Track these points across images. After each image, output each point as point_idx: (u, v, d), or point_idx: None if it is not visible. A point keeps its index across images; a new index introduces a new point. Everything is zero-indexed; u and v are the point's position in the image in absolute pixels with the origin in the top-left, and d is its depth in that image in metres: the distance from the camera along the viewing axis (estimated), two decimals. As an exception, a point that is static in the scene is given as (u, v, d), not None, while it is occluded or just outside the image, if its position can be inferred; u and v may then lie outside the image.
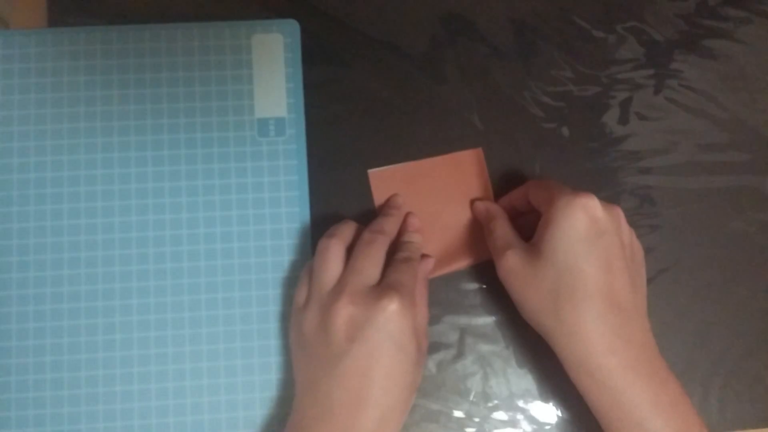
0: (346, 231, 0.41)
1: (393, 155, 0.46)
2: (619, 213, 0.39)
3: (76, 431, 0.42)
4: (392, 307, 0.37)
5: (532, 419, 0.44)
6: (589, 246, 0.37)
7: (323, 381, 0.37)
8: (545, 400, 0.45)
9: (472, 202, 0.46)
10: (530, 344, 0.45)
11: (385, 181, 0.46)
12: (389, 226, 0.43)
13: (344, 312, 0.37)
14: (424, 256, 0.44)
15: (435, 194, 0.46)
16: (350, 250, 0.41)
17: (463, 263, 0.45)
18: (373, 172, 0.46)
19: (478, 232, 0.45)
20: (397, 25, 0.48)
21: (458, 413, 0.44)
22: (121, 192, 0.44)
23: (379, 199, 0.46)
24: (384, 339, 0.37)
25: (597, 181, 0.47)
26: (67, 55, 0.45)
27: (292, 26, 0.47)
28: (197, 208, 0.45)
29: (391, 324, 0.37)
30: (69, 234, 0.44)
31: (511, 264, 0.40)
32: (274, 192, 0.45)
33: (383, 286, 0.38)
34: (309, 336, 0.39)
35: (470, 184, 0.46)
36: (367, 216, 0.45)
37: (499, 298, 0.45)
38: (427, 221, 0.45)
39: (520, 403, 0.44)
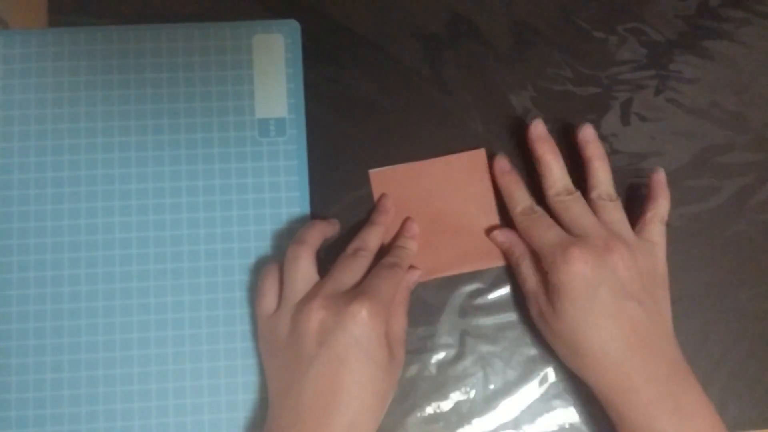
0: (315, 235, 0.41)
1: (393, 156, 0.46)
2: (613, 256, 0.39)
3: (76, 431, 0.42)
4: (362, 313, 0.37)
5: (532, 420, 0.44)
6: (591, 302, 0.38)
7: (294, 387, 0.37)
8: (545, 401, 0.44)
9: (465, 246, 0.45)
10: (530, 345, 0.45)
11: (386, 181, 0.46)
12: (374, 239, 0.43)
13: (315, 316, 0.37)
14: (411, 267, 0.44)
15: (436, 195, 0.46)
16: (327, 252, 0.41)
17: (462, 268, 0.45)
18: (374, 172, 0.46)
19: (479, 237, 0.45)
20: (397, 26, 0.48)
21: (458, 413, 0.44)
22: (121, 192, 0.44)
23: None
24: (352, 344, 0.37)
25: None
26: (68, 55, 0.45)
27: (293, 27, 0.47)
28: (198, 209, 0.45)
29: (359, 329, 0.37)
30: (69, 234, 0.44)
31: (535, 313, 0.42)
32: (275, 192, 0.45)
33: (356, 292, 0.38)
34: (281, 342, 0.39)
35: (472, 185, 0.46)
36: (368, 216, 0.45)
37: (500, 298, 0.45)
38: (427, 223, 0.45)
39: (520, 404, 0.44)
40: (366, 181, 0.46)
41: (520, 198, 0.43)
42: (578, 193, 0.42)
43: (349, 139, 0.46)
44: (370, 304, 0.37)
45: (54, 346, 0.43)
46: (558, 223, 0.42)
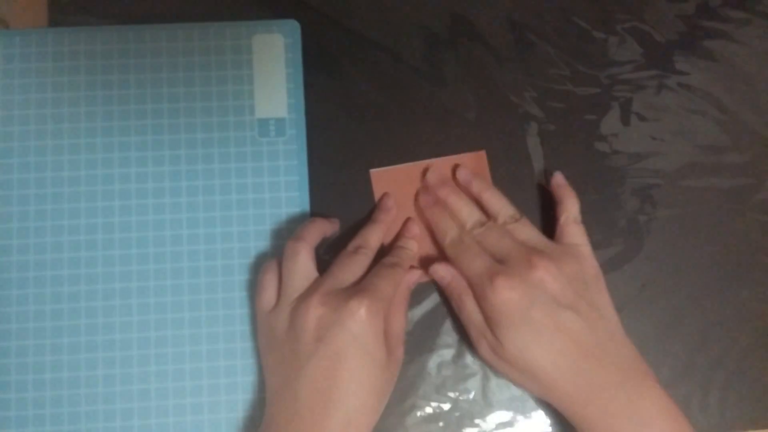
0: (314, 231, 0.41)
1: (393, 156, 0.46)
2: (537, 272, 0.39)
3: (75, 431, 0.42)
4: (361, 310, 0.37)
5: (531, 420, 0.44)
6: (528, 325, 0.39)
7: (292, 383, 0.37)
8: (545, 401, 0.44)
9: (429, 267, 0.43)
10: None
11: (386, 181, 0.46)
12: (374, 238, 0.43)
13: (314, 312, 0.37)
14: (411, 267, 0.44)
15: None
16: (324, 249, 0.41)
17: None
18: (375, 172, 0.46)
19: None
20: (397, 25, 0.48)
21: (458, 414, 0.44)
22: (121, 192, 0.44)
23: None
24: (350, 341, 0.37)
25: (597, 182, 0.47)
26: (68, 55, 0.45)
27: (293, 27, 0.47)
28: (197, 209, 0.45)
29: (357, 327, 0.37)
30: (69, 234, 0.44)
31: (484, 349, 0.41)
32: (275, 192, 0.45)
33: (356, 289, 0.39)
34: (279, 337, 0.39)
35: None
36: (369, 215, 0.45)
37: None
38: (426, 223, 0.45)
39: (520, 404, 0.44)
40: (366, 180, 0.46)
41: (447, 228, 0.43)
42: (490, 222, 0.43)
43: (349, 139, 0.46)
44: (369, 302, 0.37)
45: (53, 345, 0.43)
46: None
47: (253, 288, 0.44)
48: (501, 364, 0.40)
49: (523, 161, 0.47)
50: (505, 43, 0.48)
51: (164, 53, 0.46)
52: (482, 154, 0.46)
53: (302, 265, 0.40)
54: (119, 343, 0.43)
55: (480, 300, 0.40)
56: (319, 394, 0.36)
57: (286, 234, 0.44)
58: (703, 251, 0.47)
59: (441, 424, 0.44)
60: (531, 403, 0.44)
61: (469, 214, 0.43)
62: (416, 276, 0.44)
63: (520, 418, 0.44)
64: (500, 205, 0.43)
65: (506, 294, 0.38)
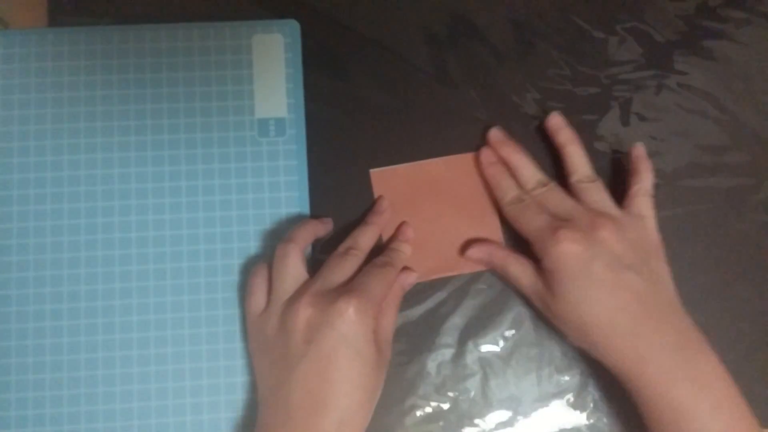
0: (304, 233, 0.41)
1: (393, 156, 0.46)
2: (600, 231, 0.39)
3: (75, 431, 0.42)
4: (349, 310, 0.37)
5: (531, 420, 0.44)
6: (587, 278, 0.39)
7: (284, 385, 0.37)
8: (544, 401, 0.44)
9: (465, 247, 0.44)
10: (530, 345, 0.45)
11: (386, 181, 0.46)
12: (366, 239, 0.43)
13: (303, 314, 0.38)
14: (406, 269, 0.44)
15: (437, 196, 0.46)
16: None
17: (461, 269, 0.45)
18: (375, 172, 0.46)
19: (478, 239, 0.45)
20: (397, 25, 0.48)
21: (458, 413, 0.44)
22: (121, 192, 0.44)
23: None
24: (340, 341, 0.37)
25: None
26: (67, 55, 0.45)
27: (293, 27, 0.47)
28: (197, 209, 0.45)
29: (346, 327, 0.37)
30: (69, 234, 0.44)
31: (539, 305, 0.42)
32: (274, 192, 0.45)
33: (345, 289, 0.38)
34: (270, 340, 0.39)
35: (474, 186, 0.46)
36: (362, 218, 0.45)
37: (499, 298, 0.45)
38: (427, 223, 0.45)
39: (520, 404, 0.44)
40: (366, 180, 0.46)
41: (508, 188, 0.44)
42: (553, 183, 0.43)
43: (349, 139, 0.46)
44: (358, 301, 0.37)
45: (53, 345, 0.43)
46: None
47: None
48: (555, 318, 0.41)
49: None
50: (505, 43, 0.48)
51: (164, 53, 0.46)
52: None
53: (292, 267, 0.40)
54: (119, 343, 0.43)
55: (541, 253, 0.40)
56: (311, 396, 0.36)
57: (285, 234, 0.44)
58: (703, 251, 0.47)
59: (441, 423, 0.44)
60: (531, 403, 0.44)
61: (532, 174, 0.43)
62: (412, 278, 0.44)
63: (520, 417, 0.44)
64: (581, 161, 0.43)
65: (568, 245, 0.39)
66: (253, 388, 0.43)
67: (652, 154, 0.47)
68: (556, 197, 0.42)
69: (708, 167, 0.48)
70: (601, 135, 0.47)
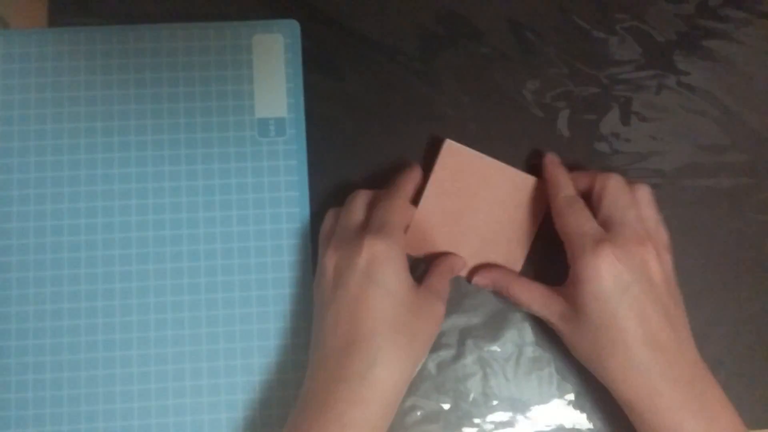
0: (402, 183, 0.42)
1: (393, 156, 0.46)
2: (646, 254, 0.38)
3: (75, 431, 0.42)
4: (372, 248, 0.37)
5: (531, 420, 0.44)
6: (619, 301, 0.37)
7: (320, 332, 0.38)
8: (545, 401, 0.44)
9: (472, 274, 0.44)
10: (530, 346, 0.45)
11: (454, 157, 0.44)
12: (409, 185, 0.43)
13: (329, 261, 0.38)
14: (454, 255, 0.43)
15: (487, 198, 0.44)
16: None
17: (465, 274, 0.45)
18: (450, 144, 0.44)
19: (502, 258, 0.44)
20: (396, 25, 0.48)
21: (458, 414, 0.44)
22: (121, 192, 0.44)
23: (440, 170, 0.44)
24: (364, 282, 0.37)
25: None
26: (68, 55, 0.45)
27: (293, 26, 0.47)
28: (197, 208, 0.45)
29: (372, 267, 0.37)
30: (69, 234, 0.44)
31: (557, 319, 0.40)
32: (274, 192, 0.45)
33: (366, 229, 0.38)
34: (315, 288, 0.40)
35: (524, 209, 0.44)
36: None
37: (500, 299, 0.45)
38: (464, 218, 0.44)
39: (520, 404, 0.44)
40: (366, 181, 0.46)
41: (566, 185, 0.42)
42: None
43: (349, 139, 0.46)
44: (375, 238, 0.37)
45: (53, 345, 0.43)
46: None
47: (253, 288, 0.44)
48: (570, 331, 0.40)
49: (522, 162, 0.47)
50: (505, 43, 0.48)
51: (164, 53, 0.46)
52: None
53: (352, 210, 0.41)
54: (119, 343, 0.43)
55: (576, 259, 0.39)
56: (343, 338, 0.36)
57: (285, 234, 0.44)
58: (703, 251, 0.47)
59: (441, 424, 0.44)
60: (531, 403, 0.44)
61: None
62: (461, 264, 0.43)
63: (520, 418, 0.44)
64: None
65: (609, 263, 0.37)
66: (253, 388, 0.43)
67: (652, 154, 0.47)
68: (619, 194, 0.41)
69: (708, 167, 0.48)
70: (601, 135, 0.47)
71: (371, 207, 0.40)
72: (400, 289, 0.37)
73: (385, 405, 0.36)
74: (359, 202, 0.41)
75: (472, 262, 0.44)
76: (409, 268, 0.39)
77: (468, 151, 0.44)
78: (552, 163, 0.44)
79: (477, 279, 0.44)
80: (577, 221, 0.40)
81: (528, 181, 0.44)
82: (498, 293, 0.44)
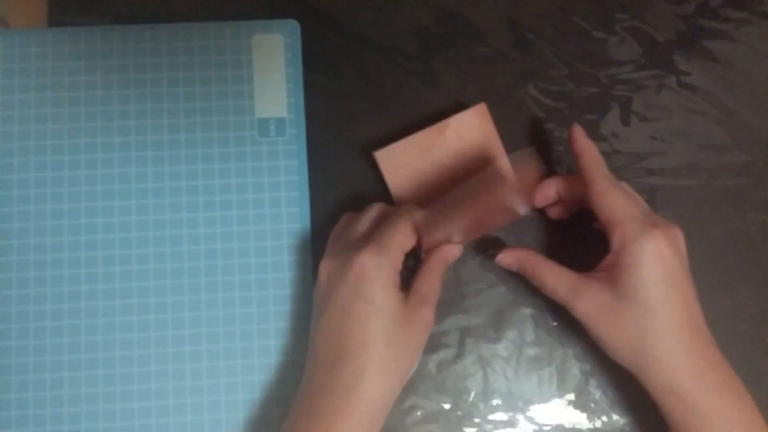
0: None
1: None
2: (681, 242, 0.39)
3: (75, 431, 0.42)
4: (361, 263, 0.37)
5: (531, 420, 0.44)
6: (667, 285, 0.37)
7: (313, 338, 0.39)
8: (545, 400, 0.44)
9: (496, 252, 0.42)
10: (530, 345, 0.45)
11: (394, 158, 0.44)
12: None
13: (323, 271, 0.39)
14: (449, 242, 0.41)
15: (446, 162, 0.44)
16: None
17: (484, 230, 0.44)
18: (380, 153, 0.44)
19: (495, 195, 0.42)
20: (396, 25, 0.48)
21: (458, 414, 0.44)
22: (121, 192, 0.44)
23: (391, 179, 0.44)
24: (353, 295, 0.37)
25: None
26: (68, 55, 0.45)
27: (293, 26, 0.47)
28: (197, 208, 0.45)
29: (360, 281, 0.37)
30: (69, 234, 0.44)
31: (590, 308, 0.39)
32: (275, 192, 0.45)
33: (361, 242, 0.38)
34: (314, 296, 0.41)
35: (479, 141, 0.44)
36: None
37: (500, 298, 0.45)
38: (442, 193, 0.42)
39: (520, 404, 0.44)
40: (366, 180, 0.46)
41: (603, 164, 0.41)
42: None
43: (349, 139, 0.46)
44: (369, 255, 0.37)
45: (54, 345, 0.43)
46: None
47: (253, 288, 0.44)
48: (607, 322, 0.38)
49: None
50: (504, 43, 0.48)
51: (164, 53, 0.46)
52: (483, 107, 0.45)
53: (352, 227, 0.40)
54: (119, 343, 0.43)
55: (625, 242, 0.38)
56: (333, 349, 0.37)
57: (286, 233, 0.44)
58: (703, 252, 0.47)
59: (441, 424, 0.44)
60: (531, 402, 0.44)
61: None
62: (456, 251, 0.41)
63: (520, 417, 0.44)
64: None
65: (665, 246, 0.37)
66: (253, 387, 0.43)
67: (652, 154, 0.47)
68: (625, 190, 0.40)
69: (708, 167, 0.48)
70: (602, 135, 0.47)
71: (381, 220, 0.40)
72: (388, 305, 0.37)
73: (372, 417, 0.37)
74: (372, 213, 0.41)
75: (477, 215, 0.42)
76: (399, 284, 0.38)
77: (397, 144, 0.44)
78: (582, 136, 0.42)
79: (501, 257, 0.42)
80: (627, 203, 0.39)
81: (462, 118, 0.44)
82: (522, 275, 0.42)
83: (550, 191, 0.43)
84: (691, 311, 0.38)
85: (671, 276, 0.38)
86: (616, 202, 0.39)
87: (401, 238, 0.38)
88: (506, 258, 0.42)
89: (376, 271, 0.37)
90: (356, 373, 0.36)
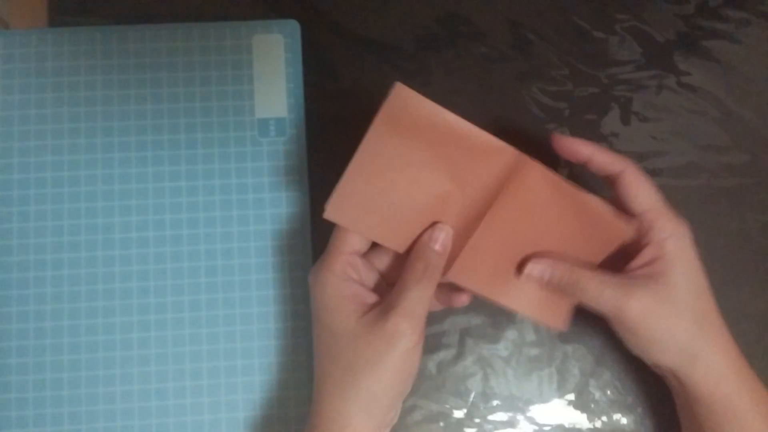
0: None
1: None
2: None
3: (76, 431, 0.42)
4: (310, 281, 0.37)
5: (531, 420, 0.44)
6: (701, 269, 0.38)
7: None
8: (545, 400, 0.44)
9: (523, 265, 0.37)
10: (530, 345, 0.45)
11: (406, 108, 0.35)
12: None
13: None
14: (424, 254, 0.36)
15: (446, 169, 0.36)
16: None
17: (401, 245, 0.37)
18: (402, 89, 0.35)
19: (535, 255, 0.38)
20: (396, 25, 0.48)
21: (458, 414, 0.44)
22: (121, 192, 0.44)
23: (386, 115, 0.35)
24: (314, 320, 0.37)
25: (598, 182, 0.47)
26: (68, 55, 0.45)
27: (293, 26, 0.47)
28: (197, 209, 0.45)
29: (315, 304, 0.37)
30: (69, 234, 0.44)
31: (645, 306, 0.36)
32: (275, 192, 0.45)
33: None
34: None
35: (490, 180, 0.36)
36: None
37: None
38: (421, 192, 0.36)
39: (520, 404, 0.44)
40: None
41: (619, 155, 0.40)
42: None
43: (350, 139, 0.46)
44: (313, 271, 0.37)
45: (54, 345, 0.43)
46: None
47: (253, 288, 0.44)
48: (658, 325, 0.36)
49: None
50: (505, 43, 0.48)
51: (164, 53, 0.46)
52: (523, 159, 0.37)
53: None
54: (119, 343, 0.43)
55: (659, 233, 0.37)
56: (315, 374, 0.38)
57: (286, 234, 0.44)
58: (702, 251, 0.47)
59: (441, 424, 0.44)
60: (531, 403, 0.44)
61: None
62: (442, 234, 0.36)
63: (520, 417, 0.44)
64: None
65: (693, 240, 0.38)
66: (253, 388, 0.43)
67: (652, 154, 0.48)
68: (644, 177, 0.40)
69: (708, 167, 0.48)
70: (601, 135, 0.47)
71: None
72: (332, 319, 0.35)
73: None
74: None
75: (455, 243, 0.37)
76: (351, 291, 0.35)
77: (427, 102, 0.35)
78: (575, 142, 0.39)
79: (530, 268, 0.37)
80: (657, 194, 0.38)
81: (494, 146, 0.36)
82: (554, 285, 0.37)
83: (585, 151, 0.39)
84: (713, 298, 0.38)
85: (698, 262, 0.38)
86: (650, 190, 0.38)
87: (344, 239, 0.36)
88: (536, 268, 0.37)
89: (314, 286, 0.37)
90: (316, 391, 0.37)
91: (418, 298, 0.34)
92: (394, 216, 0.36)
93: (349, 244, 0.36)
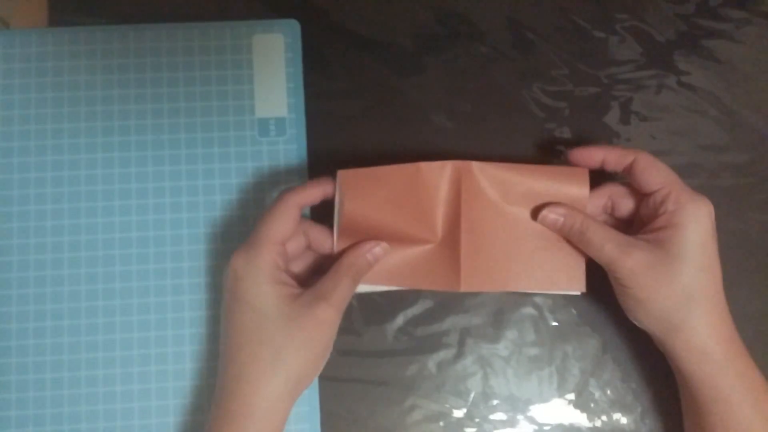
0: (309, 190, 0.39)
1: (394, 156, 0.46)
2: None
3: (76, 431, 0.42)
4: (232, 264, 0.37)
5: (531, 420, 0.44)
6: (714, 249, 0.38)
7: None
8: (545, 400, 0.44)
9: (536, 212, 0.40)
10: (530, 345, 0.45)
11: (355, 184, 0.40)
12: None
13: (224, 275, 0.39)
14: (359, 249, 0.39)
15: (413, 206, 0.40)
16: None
17: (412, 284, 0.41)
18: (344, 173, 0.40)
19: (439, 259, 0.40)
20: (397, 25, 0.48)
21: (458, 413, 0.44)
22: (121, 191, 0.44)
23: (345, 200, 0.40)
24: (231, 298, 0.37)
25: (598, 181, 0.47)
26: (68, 55, 0.45)
27: (293, 26, 0.47)
28: (198, 209, 0.45)
29: (234, 282, 0.37)
30: (69, 233, 0.44)
31: (639, 265, 0.38)
32: (275, 192, 0.45)
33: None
34: None
35: (432, 200, 0.40)
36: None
37: (500, 298, 0.45)
38: (387, 233, 0.40)
39: (520, 404, 0.44)
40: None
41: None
42: None
43: (349, 139, 0.46)
44: (239, 254, 0.37)
45: (54, 345, 0.43)
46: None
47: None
48: (648, 287, 0.38)
49: (522, 161, 0.46)
50: (505, 43, 0.48)
51: (164, 53, 0.46)
52: (444, 165, 0.40)
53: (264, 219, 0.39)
54: (119, 343, 0.43)
55: (676, 206, 0.38)
56: (222, 356, 0.38)
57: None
58: (703, 251, 0.47)
59: (441, 423, 0.44)
60: (531, 402, 0.44)
61: None
62: (379, 249, 0.40)
63: (520, 417, 0.44)
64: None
65: (710, 215, 0.39)
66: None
67: (652, 154, 0.47)
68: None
69: (708, 167, 0.48)
70: (602, 135, 0.47)
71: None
72: (262, 302, 0.36)
73: (260, 419, 0.36)
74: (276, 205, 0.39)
75: (410, 267, 0.41)
76: (280, 278, 0.37)
77: (363, 170, 0.40)
78: (588, 150, 0.41)
79: (545, 214, 0.40)
80: (674, 174, 0.40)
81: (420, 169, 0.39)
82: (566, 231, 0.40)
83: (598, 156, 0.41)
84: (720, 276, 0.39)
85: (713, 239, 0.38)
86: (664, 170, 0.40)
87: (275, 229, 0.37)
88: (550, 215, 0.40)
89: (244, 270, 0.37)
90: (235, 376, 0.36)
91: (347, 292, 0.38)
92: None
93: (280, 233, 0.38)
